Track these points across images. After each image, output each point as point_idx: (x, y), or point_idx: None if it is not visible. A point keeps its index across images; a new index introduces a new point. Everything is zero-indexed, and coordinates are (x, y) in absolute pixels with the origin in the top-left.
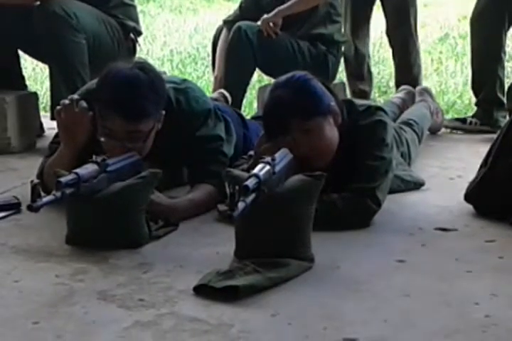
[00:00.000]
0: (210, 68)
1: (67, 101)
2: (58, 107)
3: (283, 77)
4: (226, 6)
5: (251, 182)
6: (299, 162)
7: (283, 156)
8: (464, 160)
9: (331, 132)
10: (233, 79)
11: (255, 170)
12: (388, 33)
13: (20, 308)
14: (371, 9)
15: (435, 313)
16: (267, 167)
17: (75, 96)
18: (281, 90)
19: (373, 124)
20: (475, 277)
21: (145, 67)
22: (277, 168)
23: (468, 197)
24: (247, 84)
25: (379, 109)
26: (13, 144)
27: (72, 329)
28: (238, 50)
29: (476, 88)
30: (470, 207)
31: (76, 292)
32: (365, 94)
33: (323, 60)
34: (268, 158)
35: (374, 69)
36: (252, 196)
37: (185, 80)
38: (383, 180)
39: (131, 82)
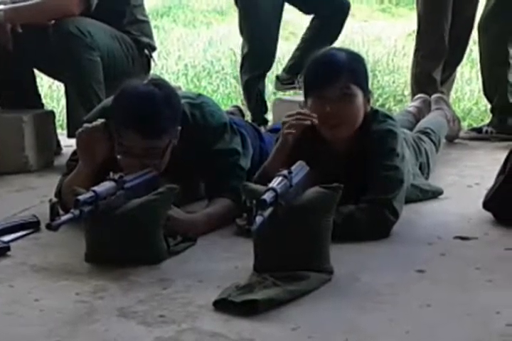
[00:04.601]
0: (224, 81)
1: (89, 126)
2: (80, 130)
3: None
4: None
5: (268, 196)
6: (321, 126)
7: (299, 169)
8: (481, 167)
9: (361, 107)
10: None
11: (272, 184)
12: None
13: (41, 327)
14: None
15: (457, 323)
16: (284, 180)
17: (99, 121)
18: (335, 50)
19: (384, 134)
20: (496, 286)
21: (160, 83)
22: (294, 181)
23: (486, 204)
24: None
25: (387, 116)
26: (30, 163)
27: None
28: None
29: (488, 95)
30: (489, 214)
31: (96, 309)
32: None
33: None
34: (285, 171)
35: (389, 78)
36: (269, 210)
37: (200, 95)
38: (399, 190)
39: (147, 98)
